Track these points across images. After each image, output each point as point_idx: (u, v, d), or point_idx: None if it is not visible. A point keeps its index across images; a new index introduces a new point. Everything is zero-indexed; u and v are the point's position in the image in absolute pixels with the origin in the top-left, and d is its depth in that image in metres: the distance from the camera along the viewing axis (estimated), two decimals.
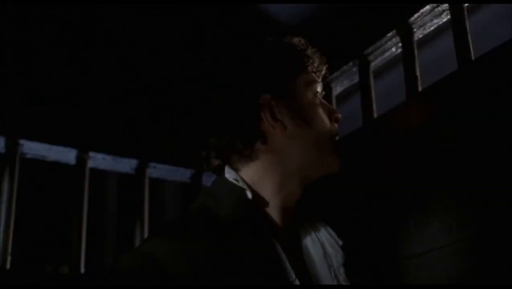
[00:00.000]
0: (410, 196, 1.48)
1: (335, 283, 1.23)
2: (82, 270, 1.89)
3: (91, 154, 2.02)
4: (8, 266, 1.78)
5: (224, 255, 1.13)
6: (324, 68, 1.32)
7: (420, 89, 1.58)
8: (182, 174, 2.19)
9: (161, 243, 1.14)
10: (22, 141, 1.91)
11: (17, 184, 1.86)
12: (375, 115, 1.72)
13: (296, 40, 1.32)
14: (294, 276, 1.16)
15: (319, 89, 1.30)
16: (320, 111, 1.27)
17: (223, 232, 1.16)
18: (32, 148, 1.94)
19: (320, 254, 1.26)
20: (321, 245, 1.27)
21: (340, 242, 1.28)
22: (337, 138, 1.30)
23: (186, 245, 1.12)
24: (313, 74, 1.29)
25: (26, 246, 1.94)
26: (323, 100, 1.31)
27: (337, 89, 1.91)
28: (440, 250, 1.37)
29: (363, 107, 1.74)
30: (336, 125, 1.29)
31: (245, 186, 1.23)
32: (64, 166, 2.00)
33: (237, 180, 1.24)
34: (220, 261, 1.12)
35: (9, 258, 1.79)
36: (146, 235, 2.06)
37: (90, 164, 2.02)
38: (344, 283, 1.23)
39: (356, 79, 1.83)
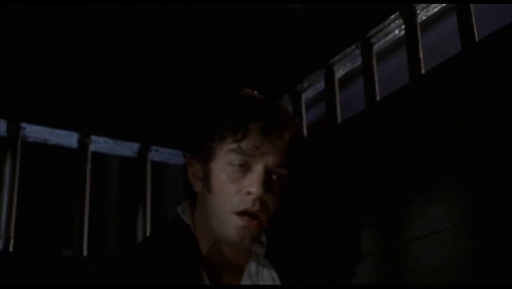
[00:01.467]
0: (412, 179, 1.49)
1: None
2: (85, 253, 1.91)
3: (93, 137, 2.02)
4: (11, 249, 1.80)
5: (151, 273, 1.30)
6: (253, 142, 1.27)
7: (423, 71, 1.58)
8: (183, 158, 2.18)
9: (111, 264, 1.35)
10: (23, 125, 1.91)
11: (19, 168, 1.87)
12: (378, 98, 1.72)
13: (236, 103, 1.34)
14: None
15: (237, 160, 1.28)
16: (226, 182, 1.29)
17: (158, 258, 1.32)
18: (33, 132, 1.94)
19: None
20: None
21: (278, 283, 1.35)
22: (255, 207, 1.26)
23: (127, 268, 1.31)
24: (235, 144, 1.28)
25: (28, 229, 1.94)
26: (247, 171, 1.28)
27: (339, 72, 1.91)
28: (442, 232, 1.38)
29: (365, 90, 1.75)
30: (250, 198, 1.27)
31: (190, 221, 1.38)
32: (66, 149, 2.00)
33: (184, 212, 1.39)
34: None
35: (12, 241, 1.81)
36: (148, 218, 2.08)
37: (92, 147, 2.03)
38: None
39: (359, 61, 1.83)
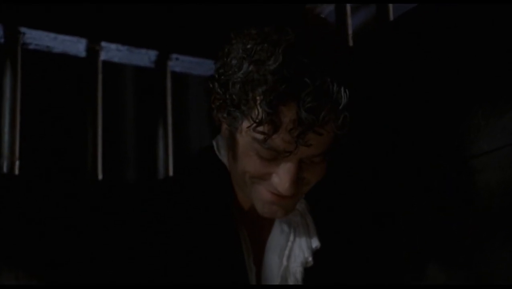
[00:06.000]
0: (478, 86, 1.39)
1: (278, 280, 1.29)
2: (100, 176, 1.88)
3: (104, 44, 1.96)
4: (16, 171, 1.78)
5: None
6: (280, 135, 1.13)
7: None
8: (208, 67, 2.11)
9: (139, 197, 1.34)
10: (23, 29, 1.85)
11: (21, 80, 1.82)
12: None
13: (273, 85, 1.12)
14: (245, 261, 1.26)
15: (264, 154, 1.17)
16: (253, 159, 1.19)
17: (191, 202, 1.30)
18: (35, 38, 1.88)
19: (281, 247, 1.31)
20: (287, 240, 1.31)
21: (314, 245, 1.31)
22: (283, 195, 1.20)
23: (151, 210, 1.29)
24: (262, 137, 1.14)
25: (36, 150, 1.93)
26: (276, 159, 1.18)
27: None
28: None
29: None
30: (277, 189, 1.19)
31: (225, 159, 1.32)
32: (73, 58, 1.95)
33: (219, 148, 1.35)
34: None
35: (17, 163, 1.78)
36: (170, 137, 2.05)
37: (103, 56, 1.97)
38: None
39: None
